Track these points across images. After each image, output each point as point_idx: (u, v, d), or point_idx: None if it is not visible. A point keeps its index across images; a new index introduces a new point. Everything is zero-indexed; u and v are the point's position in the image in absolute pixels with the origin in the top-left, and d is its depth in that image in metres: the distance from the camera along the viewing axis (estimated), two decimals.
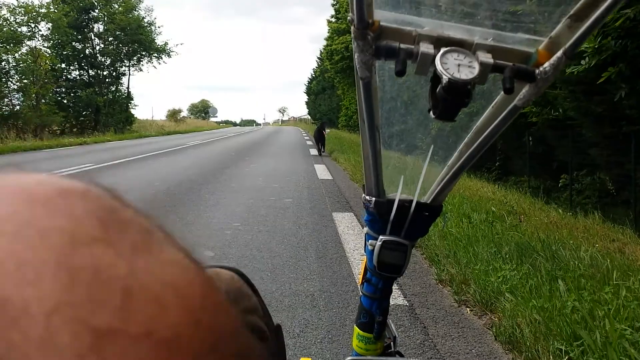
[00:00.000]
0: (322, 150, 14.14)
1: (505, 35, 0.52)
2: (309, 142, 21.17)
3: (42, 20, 25.58)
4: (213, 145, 18.58)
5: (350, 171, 9.49)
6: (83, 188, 0.17)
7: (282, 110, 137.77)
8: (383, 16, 0.49)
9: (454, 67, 0.47)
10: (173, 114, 61.60)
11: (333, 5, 32.06)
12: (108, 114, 31.91)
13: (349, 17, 0.48)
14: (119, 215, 0.17)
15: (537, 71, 0.49)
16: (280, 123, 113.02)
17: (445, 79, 0.46)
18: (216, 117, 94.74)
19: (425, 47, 0.48)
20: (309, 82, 61.81)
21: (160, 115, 69.56)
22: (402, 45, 0.49)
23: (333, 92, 41.31)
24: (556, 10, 0.51)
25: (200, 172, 9.30)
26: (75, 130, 29.44)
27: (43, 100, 25.58)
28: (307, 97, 64.70)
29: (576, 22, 0.48)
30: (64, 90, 30.54)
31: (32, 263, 0.14)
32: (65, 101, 30.19)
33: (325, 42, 34.19)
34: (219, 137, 27.06)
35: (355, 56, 0.49)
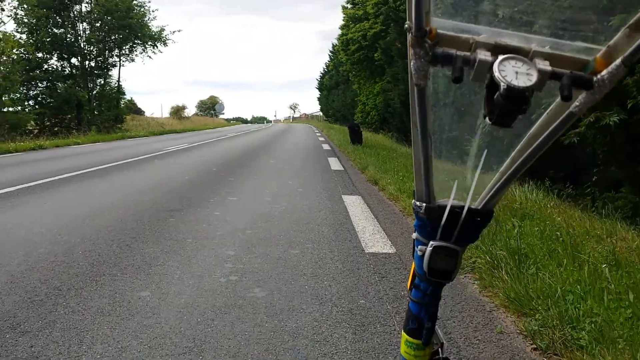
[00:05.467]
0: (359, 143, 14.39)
1: (562, 43, 0.51)
2: (326, 146, 16.46)
3: None
4: (198, 152, 13.87)
5: None
6: None
7: (294, 107, 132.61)
8: (440, 24, 0.48)
9: (512, 74, 0.46)
10: (177, 111, 57.47)
11: None
12: (94, 111, 27.73)
13: (406, 25, 0.47)
14: None
15: (594, 79, 0.48)
16: (291, 120, 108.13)
17: (503, 86, 0.45)
18: (223, 113, 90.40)
19: (483, 55, 0.48)
20: (321, 77, 57.30)
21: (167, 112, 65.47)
22: (459, 53, 0.48)
23: (347, 86, 36.69)
24: (615, 20, 0.49)
25: (121, 227, 4.66)
26: (56, 129, 25.15)
27: (8, 97, 21.39)
28: (319, 92, 60.20)
29: (635, 31, 0.46)
30: (43, 84, 26.34)
31: None
32: (44, 96, 26.02)
33: (339, 32, 29.82)
34: (215, 138, 22.52)
35: (412, 63, 0.48)
